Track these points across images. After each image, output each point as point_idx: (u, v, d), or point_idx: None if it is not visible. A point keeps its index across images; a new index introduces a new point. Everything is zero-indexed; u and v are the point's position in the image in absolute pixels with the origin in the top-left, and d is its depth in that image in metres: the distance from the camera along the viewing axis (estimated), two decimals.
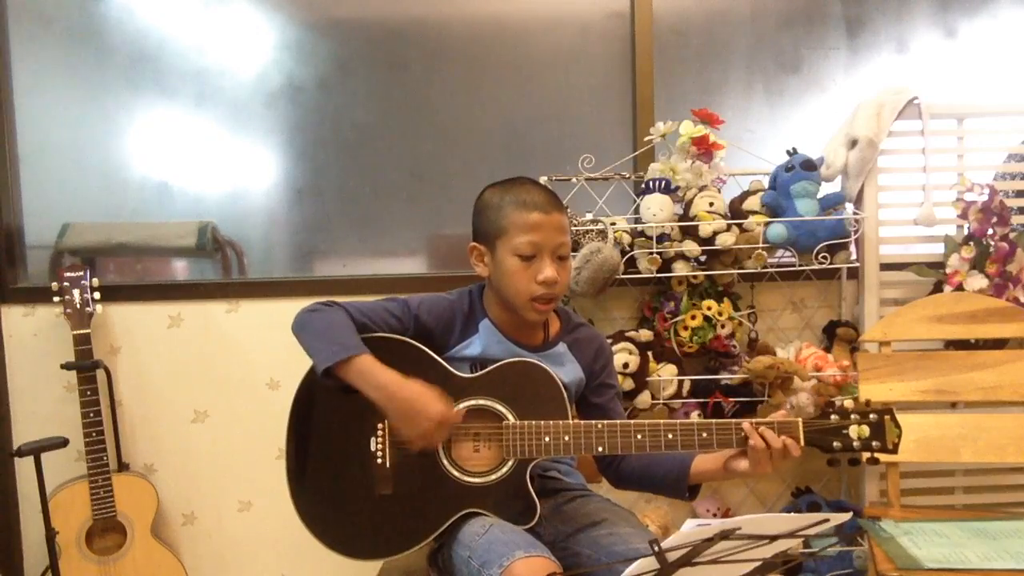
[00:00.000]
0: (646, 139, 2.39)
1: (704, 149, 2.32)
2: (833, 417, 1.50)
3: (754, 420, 1.50)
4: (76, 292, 2.24)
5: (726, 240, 2.25)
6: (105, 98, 2.47)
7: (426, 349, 1.58)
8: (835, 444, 1.49)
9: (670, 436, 1.50)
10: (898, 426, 1.49)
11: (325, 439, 1.55)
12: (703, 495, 2.47)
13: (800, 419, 1.49)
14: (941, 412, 2.19)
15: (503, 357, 1.58)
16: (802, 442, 1.48)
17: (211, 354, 2.43)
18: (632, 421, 1.52)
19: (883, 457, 1.49)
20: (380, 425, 1.55)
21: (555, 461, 1.70)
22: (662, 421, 1.51)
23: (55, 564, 2.02)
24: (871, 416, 1.49)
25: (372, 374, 1.45)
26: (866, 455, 1.50)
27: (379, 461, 1.54)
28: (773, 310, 2.51)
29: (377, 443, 1.54)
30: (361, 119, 2.56)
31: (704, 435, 1.50)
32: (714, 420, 1.52)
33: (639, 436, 1.51)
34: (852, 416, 1.49)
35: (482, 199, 1.61)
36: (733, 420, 1.50)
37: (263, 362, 2.42)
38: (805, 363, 2.31)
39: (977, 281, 2.26)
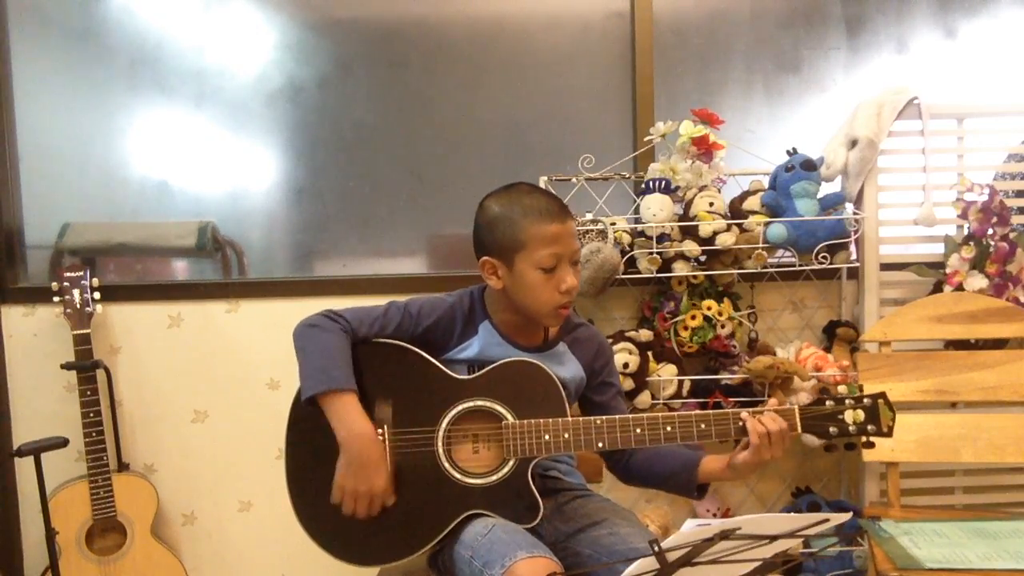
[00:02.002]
0: (646, 139, 2.39)
1: (704, 149, 2.32)
2: (828, 403, 1.51)
3: (751, 410, 1.50)
4: (76, 292, 2.24)
5: (726, 240, 2.25)
6: (105, 98, 2.47)
7: (424, 354, 1.58)
8: (831, 430, 1.50)
9: (669, 429, 1.50)
10: (892, 409, 1.50)
11: (325, 444, 1.55)
12: None
13: (796, 406, 1.51)
14: (941, 412, 2.19)
15: (502, 358, 1.58)
16: (799, 429, 1.50)
17: (211, 354, 2.43)
18: (631, 415, 1.53)
19: (880, 452, 1.50)
20: (380, 430, 1.54)
21: (555, 461, 1.70)
22: (660, 415, 1.52)
23: (55, 564, 2.01)
24: (865, 400, 1.51)
25: (347, 415, 1.47)
26: (862, 439, 1.51)
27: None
28: (773, 310, 2.51)
29: None
30: (361, 119, 2.56)
31: (702, 426, 1.50)
32: (712, 411, 1.52)
33: (638, 430, 1.51)
34: (847, 401, 1.51)
35: (488, 211, 1.57)
36: (730, 410, 1.51)
37: (263, 362, 2.42)
38: (805, 363, 2.31)
39: (977, 281, 2.26)
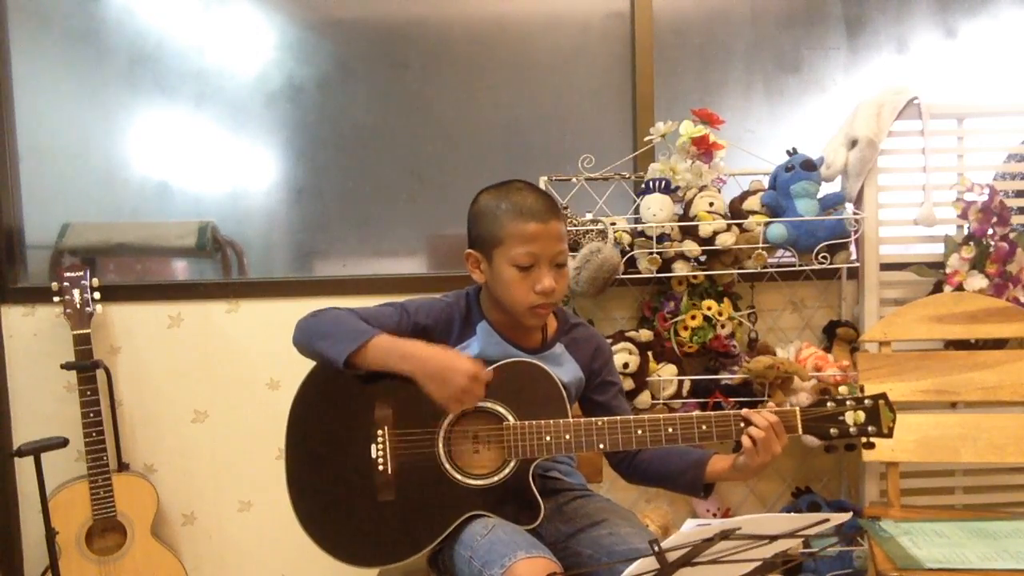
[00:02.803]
0: (646, 139, 2.39)
1: (704, 149, 2.32)
2: (829, 404, 1.52)
3: (752, 411, 1.51)
4: (76, 292, 2.24)
5: (726, 240, 2.25)
6: (105, 98, 2.47)
7: None
8: (832, 431, 1.51)
9: (670, 430, 1.51)
10: (892, 410, 1.51)
11: (325, 447, 1.55)
12: None
13: (797, 408, 1.51)
14: (941, 412, 2.19)
15: (501, 359, 1.58)
16: (800, 430, 1.50)
17: (211, 354, 2.43)
18: (632, 417, 1.53)
19: (880, 452, 1.51)
20: (380, 432, 1.54)
21: (556, 461, 1.70)
22: (662, 416, 1.52)
23: (55, 564, 2.01)
24: (866, 402, 1.51)
25: (395, 348, 1.46)
26: (863, 440, 1.51)
27: (380, 468, 1.53)
28: (773, 310, 2.51)
29: (378, 450, 1.54)
30: (361, 119, 2.56)
31: (704, 428, 1.50)
32: (713, 412, 1.52)
33: (639, 431, 1.51)
34: (847, 403, 1.52)
35: (477, 205, 1.59)
36: (732, 412, 1.51)
37: (263, 362, 2.42)
38: (805, 363, 2.31)
39: (977, 281, 2.26)
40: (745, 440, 1.47)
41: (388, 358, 1.46)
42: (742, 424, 1.49)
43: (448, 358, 1.45)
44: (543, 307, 1.55)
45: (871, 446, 1.52)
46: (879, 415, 1.50)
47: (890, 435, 1.50)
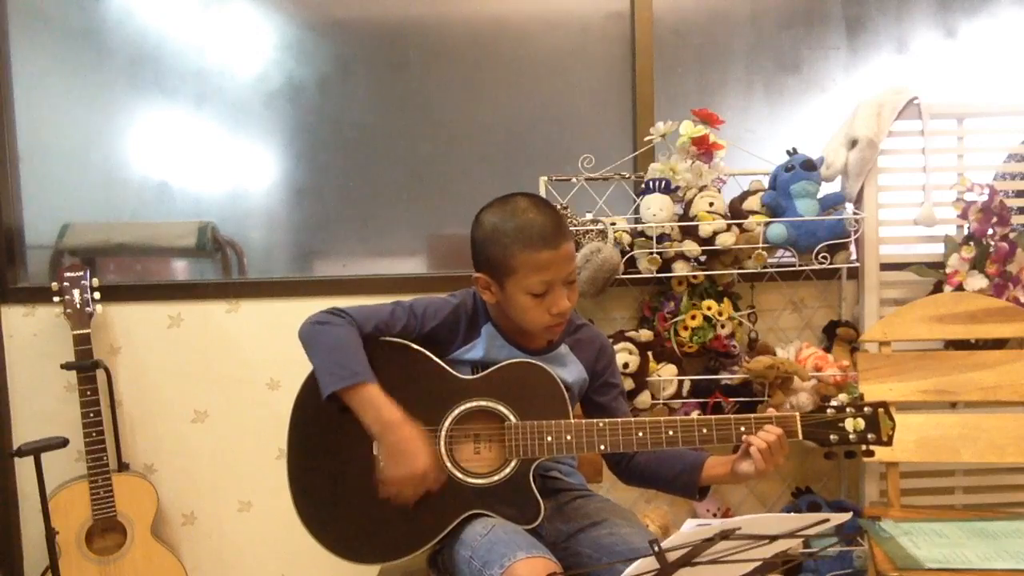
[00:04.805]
0: (646, 139, 2.39)
1: (704, 149, 2.32)
2: (829, 411, 1.53)
3: (752, 415, 1.51)
4: (76, 292, 2.24)
5: (726, 240, 2.25)
6: (105, 98, 2.47)
7: (428, 353, 1.58)
8: (832, 437, 1.51)
9: (671, 433, 1.51)
10: (892, 419, 1.52)
11: (327, 444, 1.55)
12: None
13: (797, 413, 1.52)
14: (941, 412, 2.19)
15: (506, 360, 1.58)
16: (800, 436, 1.51)
17: (211, 354, 2.43)
18: (633, 419, 1.53)
19: (878, 451, 1.51)
20: None
21: (556, 461, 1.70)
22: (663, 418, 1.52)
23: (55, 564, 2.01)
24: (866, 409, 1.52)
25: (375, 407, 1.45)
26: (862, 447, 1.52)
27: (382, 465, 1.53)
28: (773, 310, 2.51)
29: (379, 447, 1.54)
30: (361, 119, 2.56)
31: (704, 431, 1.51)
32: (714, 416, 1.53)
33: (640, 434, 1.51)
34: (848, 410, 1.52)
35: (483, 228, 1.55)
36: (733, 416, 1.51)
37: (263, 362, 2.42)
38: (805, 363, 2.31)
39: (977, 281, 2.26)
40: (751, 450, 1.47)
41: (364, 411, 1.46)
42: (742, 429, 1.49)
43: (412, 450, 1.44)
44: (559, 325, 1.56)
45: (871, 454, 1.53)
46: (879, 423, 1.50)
47: (890, 443, 1.51)
